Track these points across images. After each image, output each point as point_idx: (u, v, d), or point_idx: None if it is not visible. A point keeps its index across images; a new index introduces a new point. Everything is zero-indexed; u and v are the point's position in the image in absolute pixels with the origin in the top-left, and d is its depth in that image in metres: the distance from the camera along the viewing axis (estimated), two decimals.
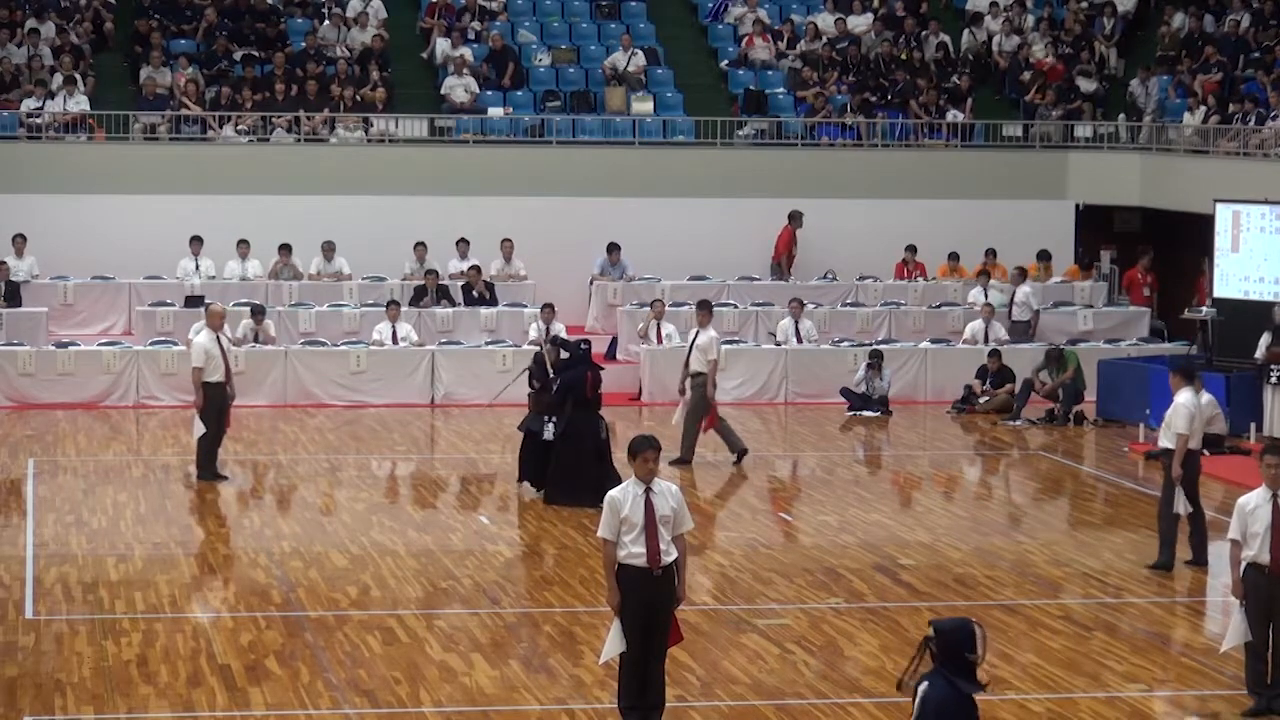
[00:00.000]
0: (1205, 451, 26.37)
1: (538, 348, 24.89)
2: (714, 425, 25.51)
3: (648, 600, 13.91)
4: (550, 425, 23.09)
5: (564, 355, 23.66)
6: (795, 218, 34.28)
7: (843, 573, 19.77)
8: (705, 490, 23.92)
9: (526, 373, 24.89)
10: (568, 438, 22.76)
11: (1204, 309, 30.43)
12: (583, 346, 23.70)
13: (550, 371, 23.68)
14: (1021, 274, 33.22)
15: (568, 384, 23.00)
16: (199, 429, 23.96)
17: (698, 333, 25.67)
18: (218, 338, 24.19)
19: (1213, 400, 26.88)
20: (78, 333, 31.57)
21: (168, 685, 15.52)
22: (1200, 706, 15.29)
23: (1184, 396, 19.58)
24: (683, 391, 25.61)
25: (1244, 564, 14.87)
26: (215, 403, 23.96)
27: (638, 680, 14.03)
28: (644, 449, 14.02)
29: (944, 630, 10.32)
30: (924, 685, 10.25)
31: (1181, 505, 19.57)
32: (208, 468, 24.07)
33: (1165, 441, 19.73)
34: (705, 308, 26.19)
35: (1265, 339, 28.14)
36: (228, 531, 21.65)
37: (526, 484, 23.40)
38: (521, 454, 23.56)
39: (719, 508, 23.03)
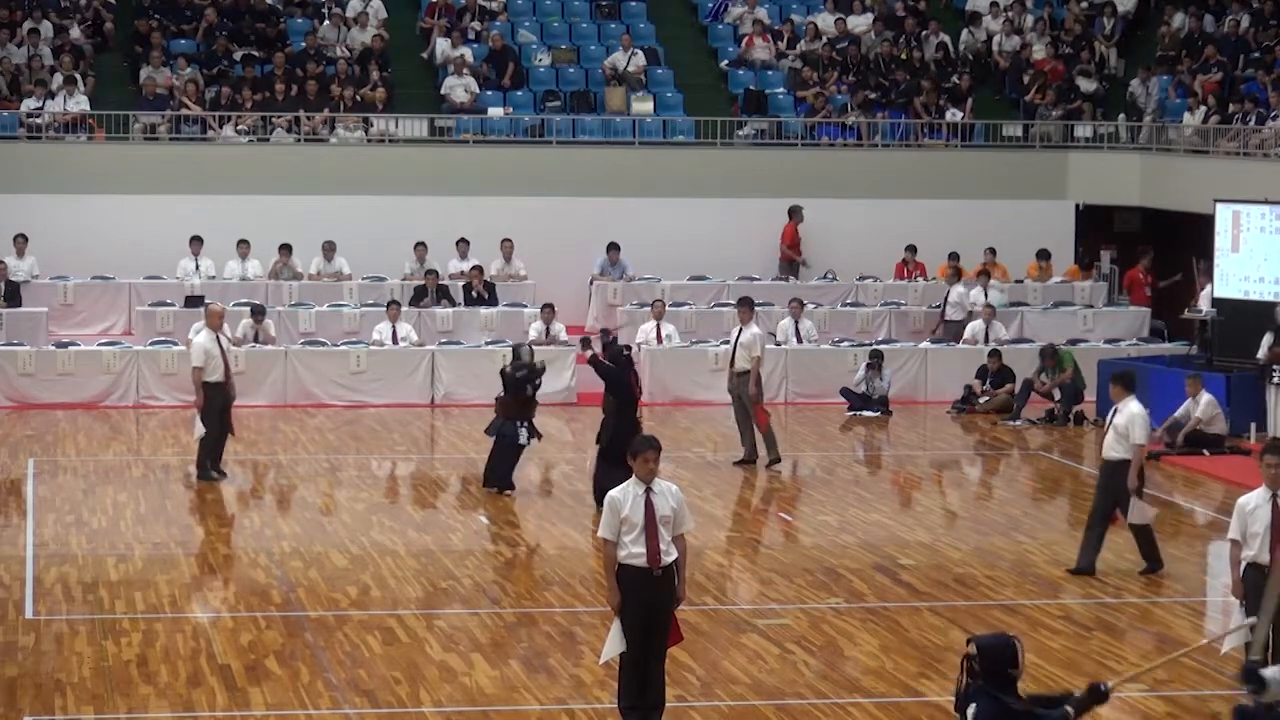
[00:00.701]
0: (1205, 451, 26.54)
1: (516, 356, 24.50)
2: (765, 422, 25.35)
3: (648, 600, 13.91)
4: (524, 429, 23.20)
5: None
6: (795, 212, 34.32)
7: (843, 573, 19.77)
8: (705, 490, 23.92)
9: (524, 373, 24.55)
10: (618, 438, 22.76)
11: (1204, 309, 30.44)
12: (625, 353, 23.73)
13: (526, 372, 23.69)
14: (956, 274, 33.05)
15: (615, 386, 23.09)
16: (199, 429, 23.99)
17: (740, 330, 25.58)
18: (217, 337, 24.22)
19: (1213, 400, 26.94)
20: (78, 333, 31.57)
21: (168, 685, 15.52)
22: (1200, 706, 15.29)
23: (1135, 405, 19.22)
24: (731, 391, 25.51)
25: (1244, 564, 14.88)
26: (215, 402, 23.98)
27: (638, 680, 14.04)
28: (644, 449, 14.04)
29: (986, 647, 10.25)
30: (972, 708, 10.17)
31: (1139, 514, 19.17)
32: (207, 468, 24.08)
33: (1117, 452, 19.18)
34: (747, 305, 26.08)
35: (1267, 339, 28.13)
36: (228, 531, 21.65)
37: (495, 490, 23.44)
38: (492, 459, 23.55)
39: (719, 508, 23.03)
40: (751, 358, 25.20)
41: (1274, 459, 14.94)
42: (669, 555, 13.94)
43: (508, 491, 23.32)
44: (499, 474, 23.47)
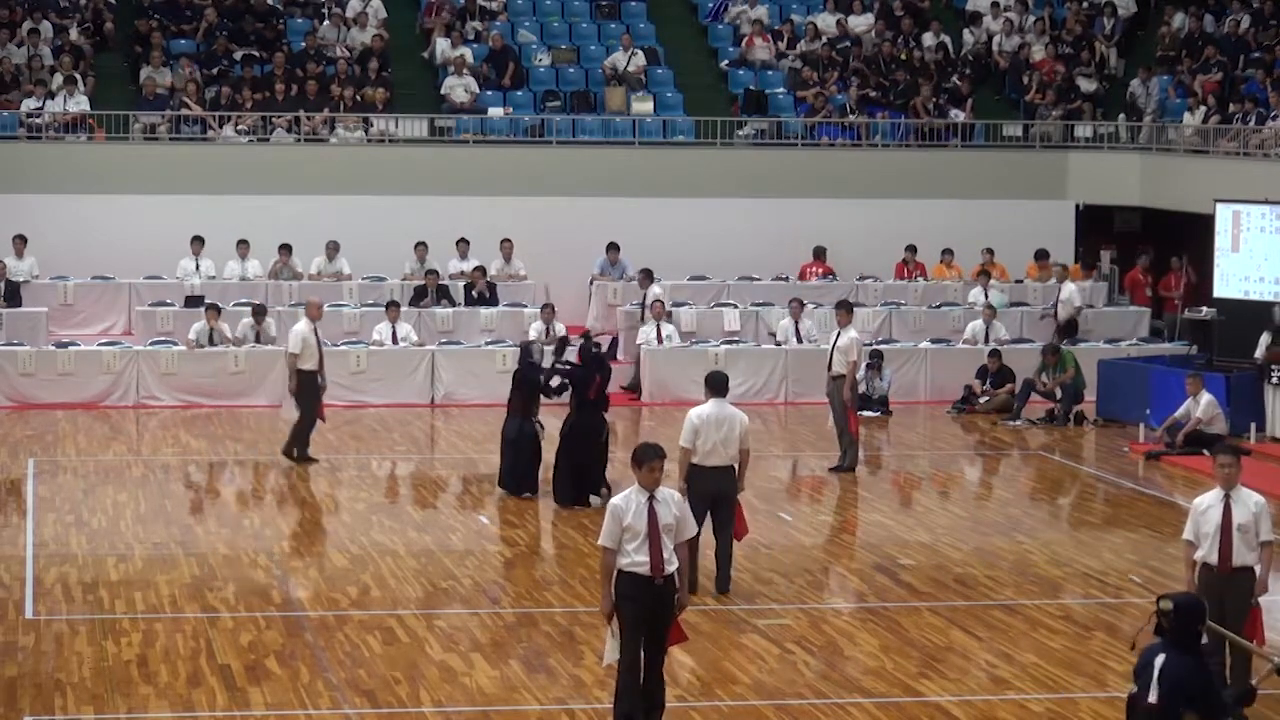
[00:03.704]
0: (1205, 451, 26.48)
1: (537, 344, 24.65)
2: (855, 429, 25.00)
3: (649, 608, 13.82)
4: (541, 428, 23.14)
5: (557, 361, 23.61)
6: (821, 253, 34.36)
7: (843, 573, 19.78)
8: None
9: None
10: (572, 437, 22.69)
11: (1204, 309, 30.49)
12: (594, 349, 23.57)
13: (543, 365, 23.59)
14: (648, 276, 32.23)
15: (575, 382, 22.93)
16: (290, 412, 25.04)
17: (839, 334, 25.03)
18: (314, 328, 25.18)
19: (1213, 400, 26.93)
20: (78, 333, 31.57)
21: (168, 685, 15.52)
22: None
23: (698, 409, 18.52)
24: (829, 395, 25.31)
25: (1198, 564, 14.93)
26: (308, 389, 24.88)
27: (635, 685, 13.93)
28: (651, 458, 13.95)
29: (1184, 605, 11.08)
30: (1161, 658, 11.01)
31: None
32: (298, 449, 25.03)
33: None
34: (846, 308, 25.60)
35: (1265, 339, 28.16)
36: (228, 531, 21.63)
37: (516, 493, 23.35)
38: (507, 460, 23.36)
39: None
40: (848, 362, 24.65)
41: (1227, 459, 15.02)
42: (671, 564, 13.87)
43: (527, 494, 23.09)
44: (519, 475, 23.16)
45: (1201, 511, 14.96)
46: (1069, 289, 32.80)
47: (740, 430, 18.52)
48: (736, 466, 18.40)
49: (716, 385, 18.85)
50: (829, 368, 25.00)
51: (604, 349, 24.18)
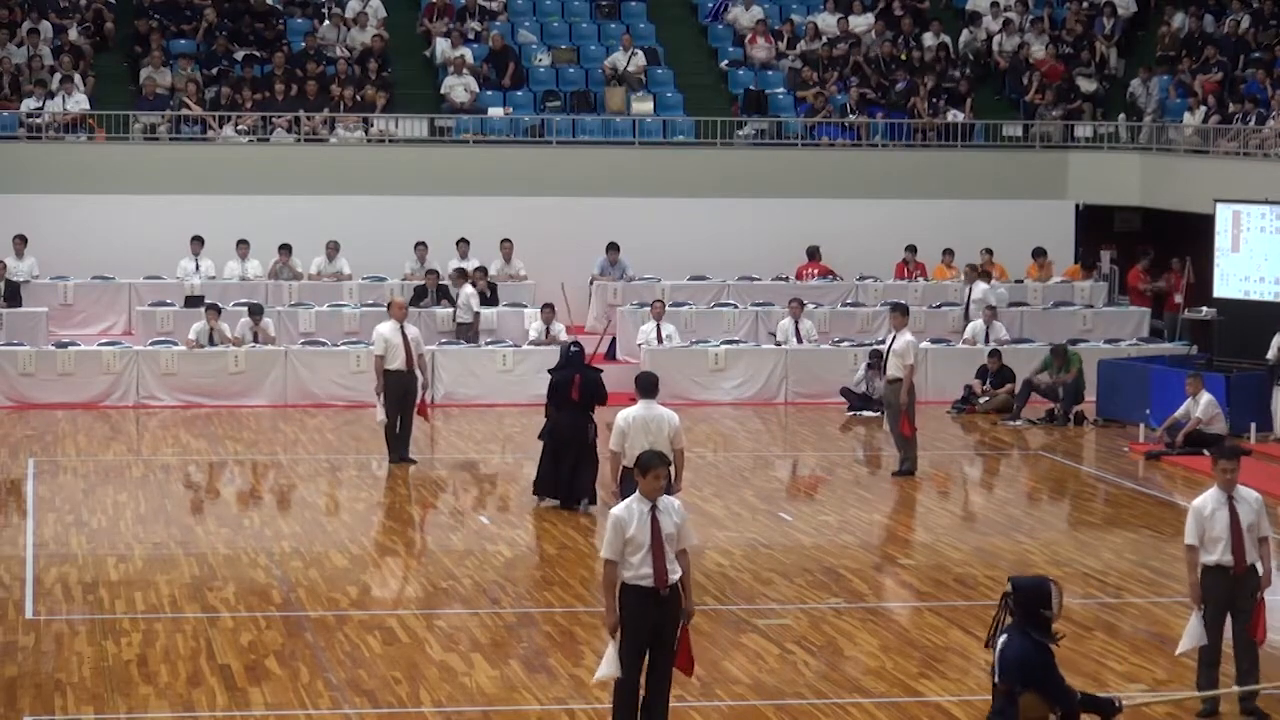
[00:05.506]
0: (1205, 451, 26.50)
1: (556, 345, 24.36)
2: (909, 432, 24.78)
3: (655, 620, 13.54)
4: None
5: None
6: (815, 252, 34.37)
7: (843, 573, 19.78)
8: (705, 490, 23.91)
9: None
10: (552, 435, 22.52)
11: (1204, 309, 30.49)
12: (572, 349, 23.41)
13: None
14: (462, 276, 31.90)
15: (555, 385, 22.79)
16: (380, 415, 24.81)
17: (894, 337, 24.72)
18: (400, 328, 24.95)
19: (1212, 400, 26.93)
20: (78, 333, 31.57)
21: (168, 685, 15.53)
22: (1199, 706, 15.29)
23: (626, 410, 18.92)
24: (884, 399, 25.12)
25: (1200, 567, 14.92)
26: (395, 389, 24.70)
27: (634, 700, 13.77)
28: (655, 465, 13.58)
29: (1022, 586, 11.33)
30: (1003, 638, 11.28)
31: None
32: (395, 451, 24.94)
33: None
34: (901, 311, 25.22)
35: (1278, 339, 28.13)
36: (228, 531, 21.63)
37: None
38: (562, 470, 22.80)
39: (719, 508, 23.02)
40: (904, 365, 24.41)
41: (1228, 464, 15.04)
42: (674, 574, 13.55)
43: (592, 506, 22.40)
44: (580, 486, 22.47)
45: (1207, 515, 14.93)
46: (980, 289, 32.78)
47: (670, 431, 18.71)
48: (672, 467, 18.38)
49: (645, 387, 19.07)
50: (883, 371, 24.91)
51: (583, 348, 23.86)
